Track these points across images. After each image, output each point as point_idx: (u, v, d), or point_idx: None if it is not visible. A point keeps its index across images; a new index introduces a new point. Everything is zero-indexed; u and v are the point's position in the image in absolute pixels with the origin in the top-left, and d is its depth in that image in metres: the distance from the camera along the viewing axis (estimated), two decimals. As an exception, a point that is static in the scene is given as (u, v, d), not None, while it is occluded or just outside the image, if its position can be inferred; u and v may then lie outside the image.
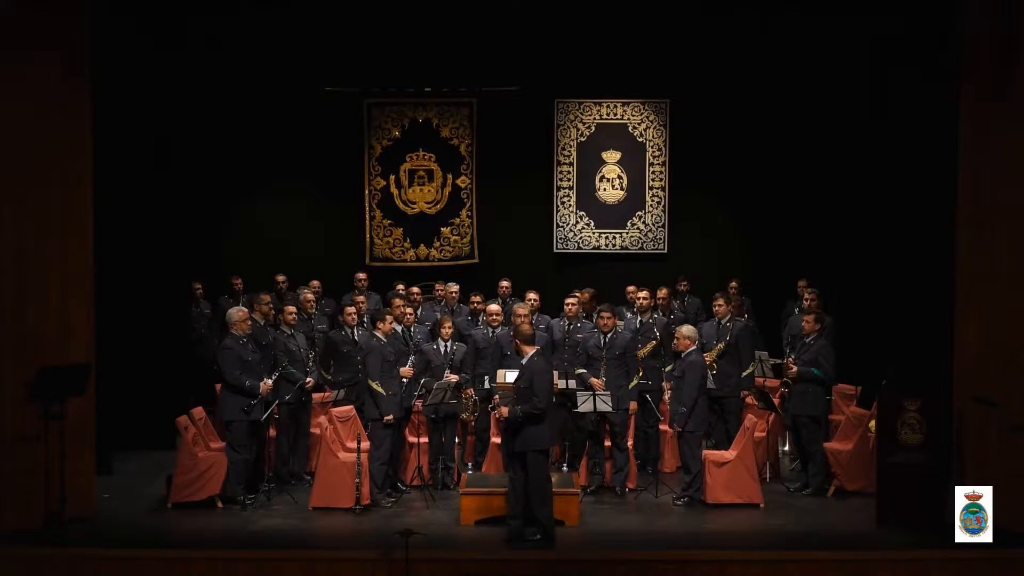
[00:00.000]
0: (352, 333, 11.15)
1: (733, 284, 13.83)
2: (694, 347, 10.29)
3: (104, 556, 8.68)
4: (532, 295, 11.96)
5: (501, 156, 14.43)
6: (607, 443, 10.58)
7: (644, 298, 11.58)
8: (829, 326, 11.58)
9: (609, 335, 10.57)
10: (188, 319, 13.14)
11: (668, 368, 11.06)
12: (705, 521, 9.79)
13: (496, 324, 11.14)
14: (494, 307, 11.33)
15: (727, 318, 11.39)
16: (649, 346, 11.13)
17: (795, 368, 10.46)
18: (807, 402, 10.42)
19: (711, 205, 14.63)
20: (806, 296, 12.88)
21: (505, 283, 12.98)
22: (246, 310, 10.47)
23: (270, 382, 10.10)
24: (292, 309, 10.93)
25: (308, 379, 10.68)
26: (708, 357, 10.90)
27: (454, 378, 10.58)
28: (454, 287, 13.06)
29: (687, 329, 10.41)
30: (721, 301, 11.47)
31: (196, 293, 13.44)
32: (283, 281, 13.62)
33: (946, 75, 9.72)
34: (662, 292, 12.41)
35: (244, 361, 9.99)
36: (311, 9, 12.94)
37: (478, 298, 12.25)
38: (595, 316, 11.22)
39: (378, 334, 10.31)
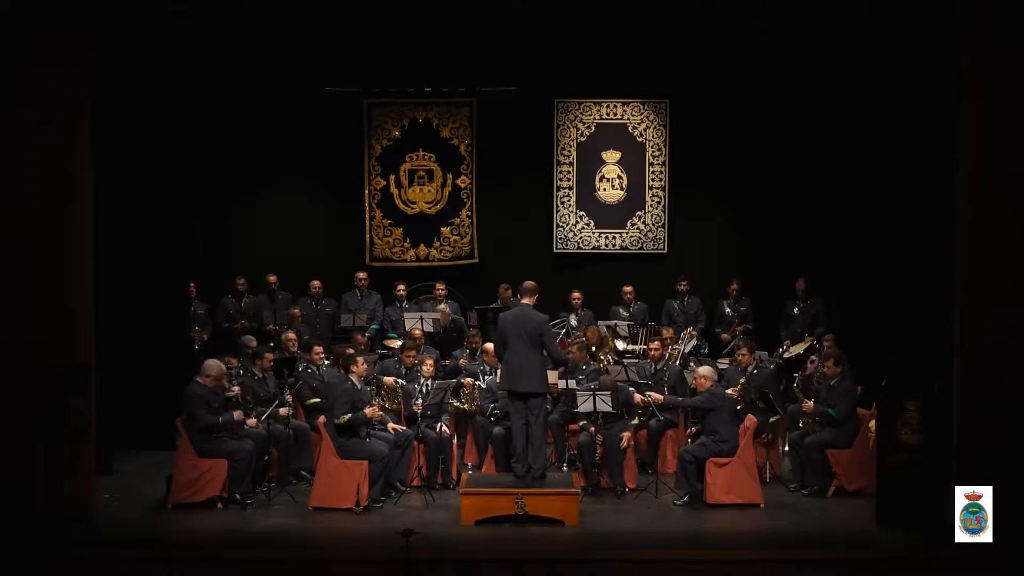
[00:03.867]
0: (318, 371, 11.20)
1: (734, 285, 13.86)
2: (711, 384, 10.36)
3: (104, 556, 8.67)
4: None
5: (501, 156, 14.44)
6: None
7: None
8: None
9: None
10: (188, 319, 13.12)
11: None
12: (705, 521, 9.79)
13: (494, 364, 11.00)
14: (491, 345, 11.16)
15: (752, 366, 11.32)
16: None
17: (810, 403, 10.49)
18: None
19: (711, 205, 14.62)
20: (798, 285, 12.92)
21: (507, 292, 12.98)
22: (223, 368, 10.33)
23: (254, 420, 10.09)
24: (271, 356, 11.01)
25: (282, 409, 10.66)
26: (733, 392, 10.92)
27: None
28: (447, 310, 13.07)
29: (704, 369, 10.53)
30: (744, 350, 11.38)
31: (190, 293, 13.40)
32: (274, 282, 13.65)
33: (946, 74, 9.71)
34: (655, 345, 12.00)
35: (212, 408, 10.01)
36: (311, 9, 12.93)
37: (477, 337, 12.28)
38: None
39: (352, 377, 10.24)
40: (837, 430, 10.46)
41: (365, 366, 10.43)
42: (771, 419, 10.94)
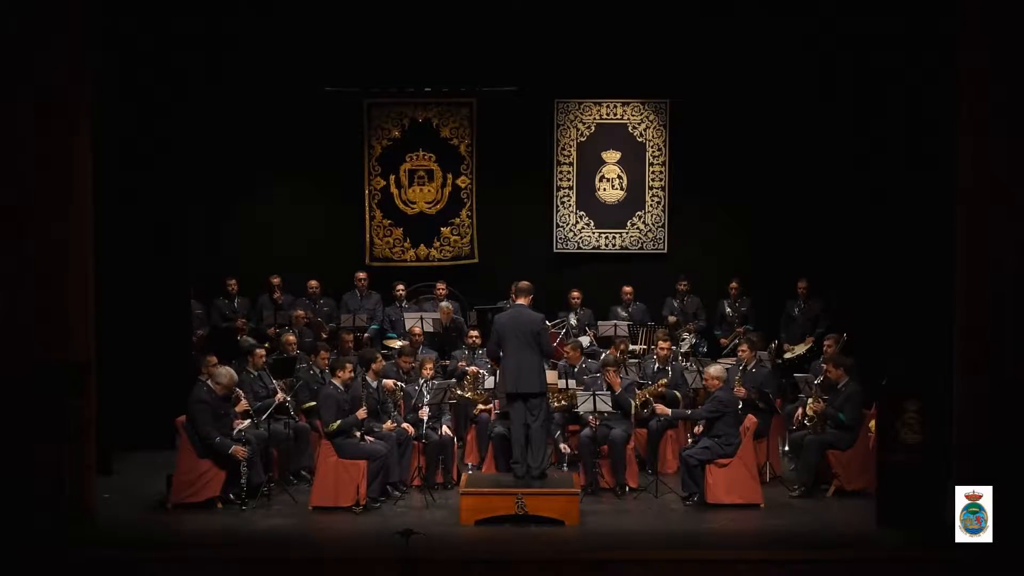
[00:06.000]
0: (320, 374, 11.14)
1: (733, 284, 13.87)
2: (722, 384, 10.36)
3: (104, 556, 8.67)
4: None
5: (501, 156, 14.43)
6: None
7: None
8: (853, 367, 11.48)
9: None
10: (189, 319, 13.11)
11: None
12: (705, 521, 9.78)
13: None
14: None
15: (752, 363, 11.28)
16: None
17: (822, 404, 10.46)
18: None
19: (711, 205, 14.62)
20: (800, 285, 12.91)
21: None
22: (235, 377, 10.22)
23: (244, 451, 9.92)
24: (262, 353, 11.00)
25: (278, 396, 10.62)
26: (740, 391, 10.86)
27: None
28: (449, 307, 13.05)
29: (715, 369, 10.52)
30: (745, 346, 11.38)
31: (190, 293, 13.39)
32: (278, 283, 13.62)
33: (946, 73, 9.72)
34: (664, 344, 11.71)
35: (217, 416, 9.96)
36: (311, 9, 12.93)
37: (475, 333, 12.27)
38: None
39: (335, 382, 10.23)
40: (840, 432, 10.45)
41: (352, 374, 10.35)
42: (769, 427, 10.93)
